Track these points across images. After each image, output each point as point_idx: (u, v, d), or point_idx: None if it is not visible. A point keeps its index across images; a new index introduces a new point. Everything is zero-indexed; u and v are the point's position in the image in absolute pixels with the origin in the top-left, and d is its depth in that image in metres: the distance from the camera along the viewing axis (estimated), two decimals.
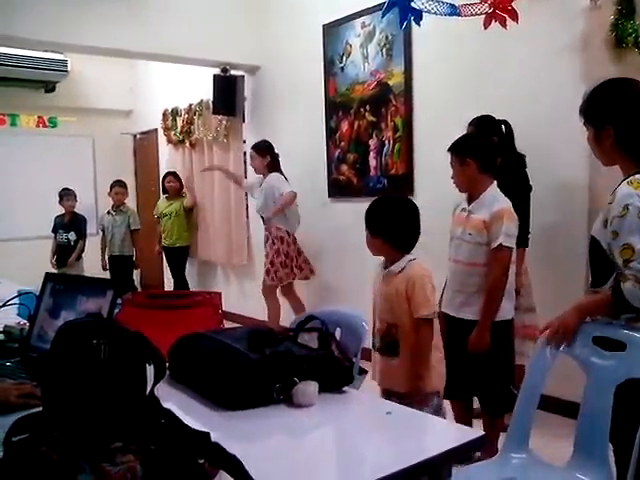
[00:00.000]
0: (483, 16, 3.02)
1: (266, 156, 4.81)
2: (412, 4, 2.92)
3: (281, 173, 4.82)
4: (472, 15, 3.02)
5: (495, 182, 2.64)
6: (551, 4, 3.29)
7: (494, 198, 2.57)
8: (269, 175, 4.80)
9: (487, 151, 2.64)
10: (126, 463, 0.90)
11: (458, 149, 2.64)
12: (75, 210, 6.21)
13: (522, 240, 3.05)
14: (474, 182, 2.60)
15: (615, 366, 1.72)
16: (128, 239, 6.30)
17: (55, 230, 6.17)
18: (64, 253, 6.08)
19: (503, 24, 3.01)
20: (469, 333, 2.54)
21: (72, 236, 6.09)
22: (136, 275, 6.83)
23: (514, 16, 3.00)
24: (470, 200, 2.64)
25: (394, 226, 2.11)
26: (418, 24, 3.03)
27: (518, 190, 3.01)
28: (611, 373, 1.71)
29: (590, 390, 1.75)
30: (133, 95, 7.68)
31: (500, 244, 2.46)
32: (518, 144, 3.34)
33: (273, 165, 4.83)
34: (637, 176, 1.72)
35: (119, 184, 6.38)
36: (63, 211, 6.19)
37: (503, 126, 3.20)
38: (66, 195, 6.16)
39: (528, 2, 3.10)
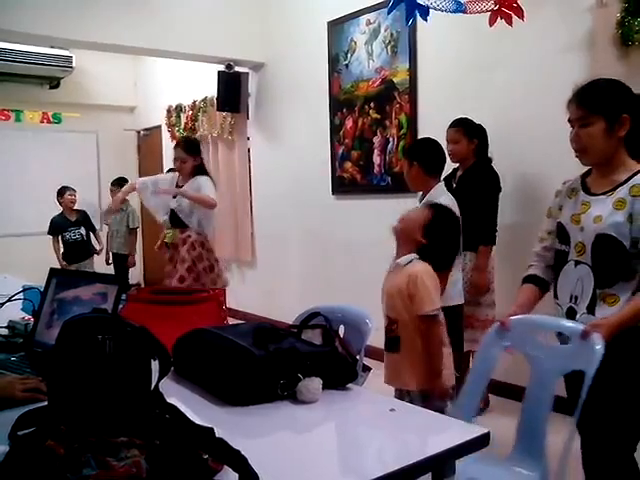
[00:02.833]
0: (489, 13, 3.02)
1: (197, 158, 4.24)
2: (418, 0, 2.91)
3: (210, 177, 4.31)
4: (478, 12, 3.02)
5: (442, 183, 2.93)
6: (557, 2, 3.27)
7: (435, 196, 2.80)
8: (198, 177, 4.18)
9: (433, 155, 2.90)
10: (131, 457, 0.91)
11: (408, 153, 3.00)
12: (76, 207, 6.12)
13: (490, 238, 3.28)
14: (421, 182, 2.88)
15: (557, 359, 1.75)
16: (127, 237, 6.30)
17: (59, 231, 6.01)
18: (78, 249, 6.00)
19: (509, 22, 3.01)
20: None
21: (83, 230, 6.05)
22: (137, 272, 6.82)
23: (520, 14, 3.00)
24: (421, 199, 2.97)
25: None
26: (425, 19, 3.02)
27: (488, 190, 3.27)
28: (553, 366, 1.74)
29: (532, 383, 1.77)
30: (137, 91, 7.69)
31: None
32: (523, 143, 3.36)
33: (201, 168, 4.28)
34: None
35: (118, 182, 6.25)
36: (60, 210, 6.05)
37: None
38: (67, 190, 6.04)
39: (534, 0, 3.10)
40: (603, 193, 1.80)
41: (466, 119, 3.38)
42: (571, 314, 1.83)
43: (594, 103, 1.77)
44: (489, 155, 3.39)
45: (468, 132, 3.33)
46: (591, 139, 1.78)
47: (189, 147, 4.25)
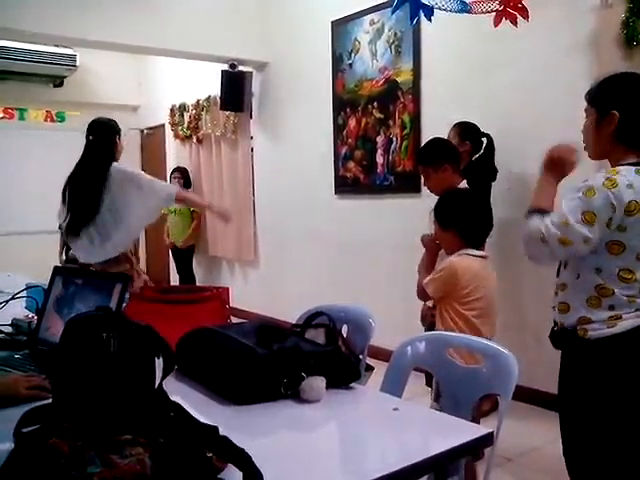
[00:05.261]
0: (493, 14, 3.01)
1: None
2: (423, 0, 2.91)
3: None
4: (483, 12, 3.01)
5: (463, 182, 2.81)
6: (561, 2, 3.27)
7: None
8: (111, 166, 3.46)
9: (457, 154, 2.83)
10: (135, 455, 0.91)
11: (434, 155, 2.75)
12: None
13: None
14: (451, 183, 2.71)
15: (470, 381, 1.63)
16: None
17: None
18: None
19: (514, 22, 3.00)
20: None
21: None
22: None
23: (525, 14, 2.99)
24: None
25: (465, 220, 2.28)
26: (429, 19, 3.01)
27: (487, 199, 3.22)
28: (465, 390, 1.62)
29: (446, 407, 1.61)
30: (141, 90, 7.69)
31: None
32: (526, 142, 3.35)
33: None
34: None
35: None
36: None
37: (485, 139, 3.37)
38: None
39: (539, 0, 3.09)
40: None
41: (464, 122, 3.37)
42: None
43: (592, 94, 1.76)
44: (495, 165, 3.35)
45: (462, 134, 3.32)
46: (585, 131, 1.78)
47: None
